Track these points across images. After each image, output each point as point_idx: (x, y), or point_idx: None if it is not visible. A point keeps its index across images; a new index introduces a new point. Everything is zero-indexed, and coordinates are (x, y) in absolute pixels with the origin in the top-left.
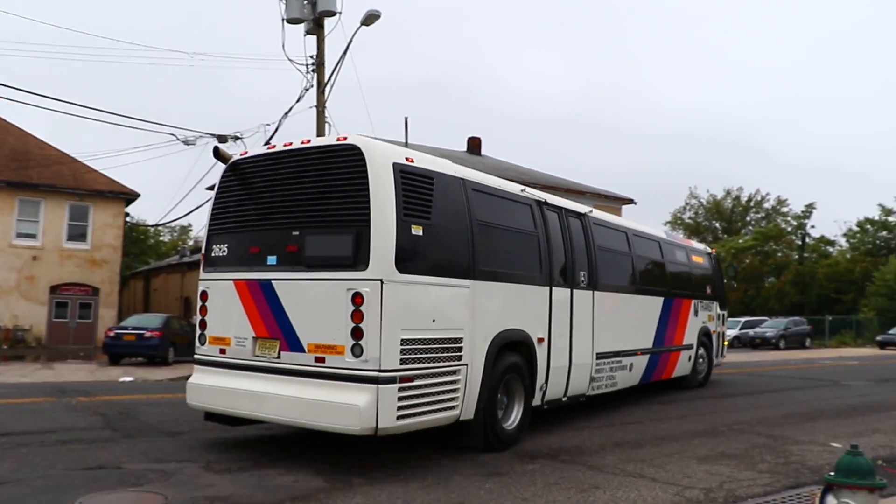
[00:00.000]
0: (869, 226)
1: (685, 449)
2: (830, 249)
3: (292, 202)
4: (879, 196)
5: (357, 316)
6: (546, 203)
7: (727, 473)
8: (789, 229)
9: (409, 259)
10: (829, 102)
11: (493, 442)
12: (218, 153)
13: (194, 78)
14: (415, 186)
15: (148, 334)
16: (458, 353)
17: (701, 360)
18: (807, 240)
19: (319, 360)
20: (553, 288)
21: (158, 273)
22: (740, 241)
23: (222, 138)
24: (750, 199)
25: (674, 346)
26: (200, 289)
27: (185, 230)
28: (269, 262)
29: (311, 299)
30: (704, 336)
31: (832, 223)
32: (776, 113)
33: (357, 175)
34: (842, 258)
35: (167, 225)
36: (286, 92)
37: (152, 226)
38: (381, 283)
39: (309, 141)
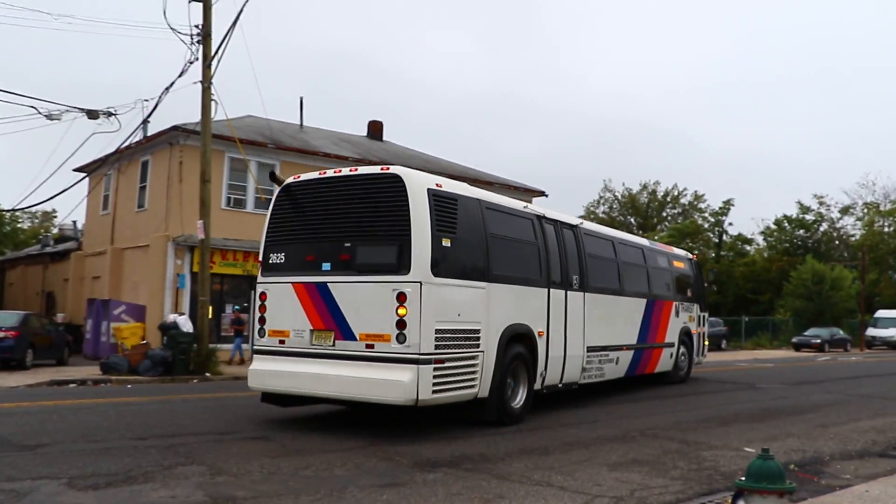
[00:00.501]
0: (787, 224)
1: (595, 455)
2: (748, 248)
3: (343, 219)
4: (799, 193)
5: (401, 311)
6: (545, 217)
7: (638, 481)
8: (707, 226)
9: (441, 265)
10: (756, 93)
11: (504, 417)
12: (274, 177)
13: (62, 44)
14: (443, 207)
15: (1, 334)
16: (477, 342)
17: (682, 357)
18: (724, 237)
19: (369, 346)
20: (550, 289)
21: (15, 265)
22: (655, 237)
23: (93, 114)
24: (666, 195)
25: (657, 343)
26: (259, 290)
27: (49, 216)
28: (323, 268)
29: (362, 298)
30: (685, 336)
31: (750, 220)
32: (700, 103)
33: (399, 199)
34: (759, 257)
35: (26, 210)
36: (170, 65)
37: (8, 211)
38: (421, 284)
39: (356, 169)
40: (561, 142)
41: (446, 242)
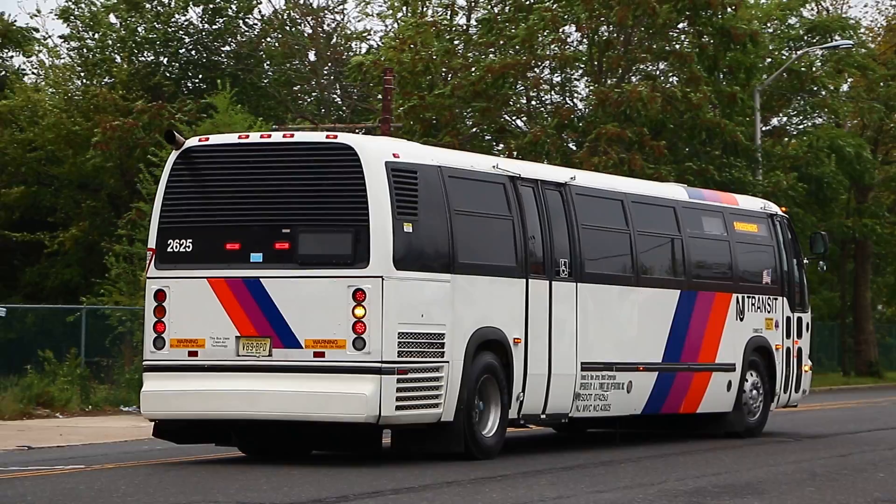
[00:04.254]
0: None
1: None
2: None
3: (277, 199)
4: None
5: (358, 311)
6: (520, 178)
7: None
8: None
9: (403, 256)
10: None
11: (473, 449)
12: (172, 137)
13: None
14: (403, 184)
15: None
16: (441, 349)
17: (754, 391)
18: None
19: (319, 354)
20: (529, 280)
21: None
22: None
23: None
24: None
25: (699, 363)
26: (154, 288)
27: None
28: (253, 260)
29: (307, 296)
30: (757, 353)
31: None
32: None
33: (352, 176)
34: None
35: None
36: None
37: None
38: (382, 279)
39: (292, 135)
40: None
41: (408, 227)
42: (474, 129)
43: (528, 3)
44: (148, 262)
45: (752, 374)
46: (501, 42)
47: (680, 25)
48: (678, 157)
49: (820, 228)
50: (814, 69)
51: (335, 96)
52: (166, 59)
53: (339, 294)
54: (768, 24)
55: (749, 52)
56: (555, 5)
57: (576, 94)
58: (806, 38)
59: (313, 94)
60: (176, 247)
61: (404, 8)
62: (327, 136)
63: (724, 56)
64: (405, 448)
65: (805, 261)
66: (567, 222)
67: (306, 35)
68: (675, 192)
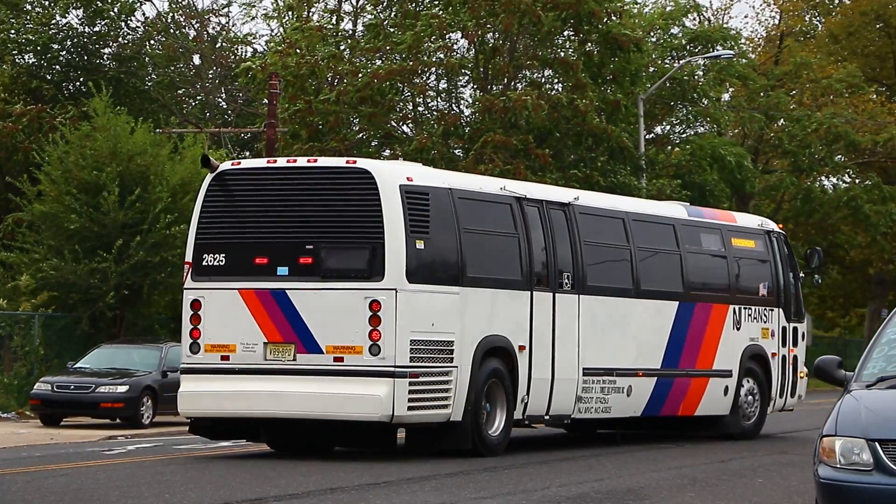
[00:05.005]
0: None
1: None
2: None
3: (301, 218)
4: None
5: (374, 320)
6: (526, 199)
7: None
8: None
9: (416, 270)
10: None
11: (480, 447)
12: (207, 162)
13: None
14: (416, 205)
15: None
16: (451, 355)
17: (749, 396)
18: None
19: (338, 359)
20: (534, 292)
21: None
22: None
23: None
24: None
25: (696, 369)
26: (190, 298)
27: None
28: (279, 273)
29: (328, 306)
30: (753, 360)
31: None
32: None
33: (369, 198)
34: None
35: None
36: None
37: None
38: (396, 291)
39: (316, 160)
40: None
41: (420, 244)
42: (361, 135)
43: (415, 9)
44: (185, 274)
45: (748, 381)
46: (388, 48)
47: (565, 33)
48: (564, 164)
49: None
50: (695, 78)
51: (220, 100)
52: (45, 62)
53: (356, 305)
54: (651, 34)
55: (633, 59)
56: (441, 12)
57: (462, 101)
58: (688, 47)
59: (198, 97)
60: (210, 261)
61: (289, 13)
62: (347, 162)
63: (610, 63)
64: (418, 445)
65: (801, 275)
66: (570, 239)
67: (191, 38)
68: (675, 210)
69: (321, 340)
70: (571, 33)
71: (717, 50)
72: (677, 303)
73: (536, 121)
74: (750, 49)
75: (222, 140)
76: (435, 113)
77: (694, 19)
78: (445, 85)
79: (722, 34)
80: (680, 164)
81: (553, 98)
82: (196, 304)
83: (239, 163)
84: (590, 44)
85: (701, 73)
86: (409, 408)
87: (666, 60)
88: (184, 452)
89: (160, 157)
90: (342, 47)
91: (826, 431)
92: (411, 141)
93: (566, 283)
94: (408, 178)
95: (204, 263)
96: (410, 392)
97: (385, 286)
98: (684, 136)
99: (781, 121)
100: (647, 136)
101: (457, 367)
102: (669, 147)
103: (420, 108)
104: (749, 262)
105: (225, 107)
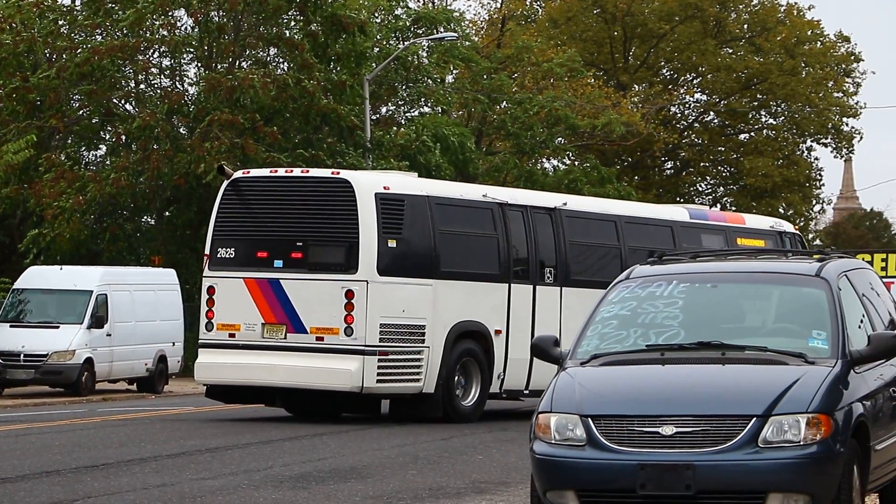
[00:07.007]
0: None
1: None
2: None
3: (295, 219)
4: None
5: (349, 307)
6: (508, 204)
7: None
8: None
9: (386, 265)
10: None
11: (452, 415)
12: (223, 170)
13: None
14: (390, 209)
15: None
16: (422, 337)
17: None
18: None
19: (319, 339)
20: (512, 284)
21: None
22: None
23: None
24: None
25: None
26: (207, 284)
27: None
28: (276, 265)
29: (313, 294)
30: None
31: None
32: None
33: (347, 203)
34: None
35: None
36: None
37: None
38: (367, 283)
39: (308, 171)
40: None
41: (392, 243)
42: (81, 112)
43: None
44: (204, 264)
45: None
46: (108, 24)
47: (290, 13)
48: (293, 144)
49: None
50: (419, 59)
51: None
52: None
53: (335, 293)
54: (376, 14)
55: (358, 41)
56: None
57: (186, 80)
58: (412, 28)
59: None
60: (223, 253)
61: None
62: (332, 173)
63: (335, 44)
64: (399, 413)
65: None
66: (555, 239)
67: None
68: (675, 213)
69: (307, 322)
70: (297, 13)
71: (441, 32)
72: None
73: (264, 100)
74: (473, 32)
75: None
76: (159, 91)
77: (418, 1)
78: (169, 62)
79: (445, 16)
80: (406, 144)
81: (280, 79)
82: (211, 290)
83: (248, 171)
84: (314, 24)
85: (425, 54)
86: (379, 380)
87: (390, 41)
88: None
89: None
90: (60, 23)
91: (542, 408)
92: (134, 119)
93: (548, 277)
94: (385, 187)
95: (218, 256)
96: (380, 367)
97: (358, 278)
98: (409, 116)
99: (504, 103)
100: (373, 117)
101: (428, 347)
102: (395, 128)
103: (143, 86)
104: None
105: None
